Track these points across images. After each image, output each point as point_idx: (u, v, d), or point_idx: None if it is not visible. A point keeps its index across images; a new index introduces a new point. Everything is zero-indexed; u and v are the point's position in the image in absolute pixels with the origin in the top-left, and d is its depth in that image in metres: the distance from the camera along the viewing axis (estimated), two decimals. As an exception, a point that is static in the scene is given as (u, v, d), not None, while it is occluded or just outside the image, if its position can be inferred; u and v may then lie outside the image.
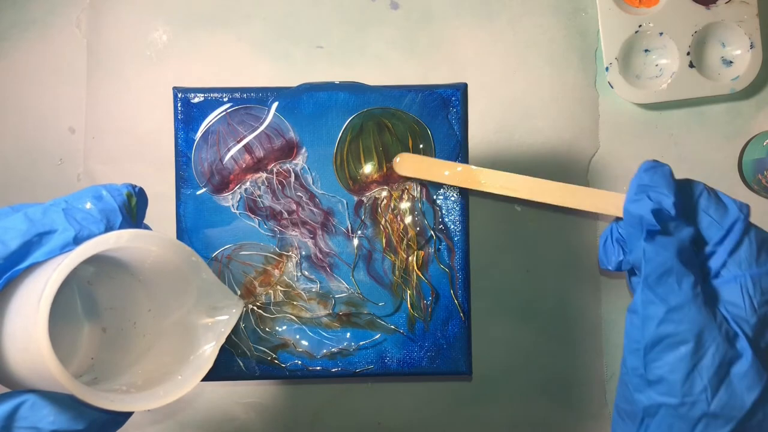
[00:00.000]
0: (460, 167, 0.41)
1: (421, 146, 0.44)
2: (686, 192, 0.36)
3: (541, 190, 0.39)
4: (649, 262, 0.34)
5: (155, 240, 0.33)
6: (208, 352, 0.35)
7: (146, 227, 0.38)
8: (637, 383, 0.35)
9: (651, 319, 0.35)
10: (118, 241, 0.32)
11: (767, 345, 0.35)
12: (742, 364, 0.34)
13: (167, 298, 0.36)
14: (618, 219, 0.38)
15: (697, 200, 0.36)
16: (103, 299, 0.38)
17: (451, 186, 0.44)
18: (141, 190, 0.37)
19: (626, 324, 0.36)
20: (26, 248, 0.32)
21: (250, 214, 0.44)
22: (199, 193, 0.44)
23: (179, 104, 0.44)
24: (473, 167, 0.41)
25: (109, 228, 0.34)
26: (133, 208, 0.36)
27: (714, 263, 0.36)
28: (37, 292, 0.30)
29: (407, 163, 0.42)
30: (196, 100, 0.44)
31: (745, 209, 0.36)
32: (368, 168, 0.44)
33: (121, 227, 0.35)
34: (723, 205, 0.36)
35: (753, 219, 0.56)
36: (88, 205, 0.34)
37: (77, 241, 0.33)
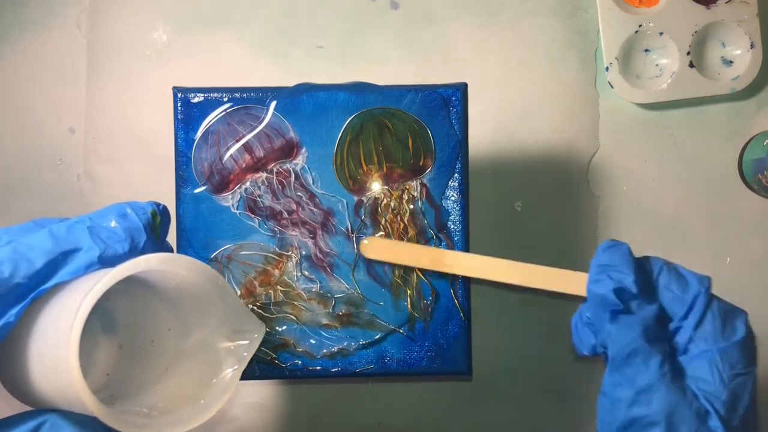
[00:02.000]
0: (428, 251, 0.40)
1: (421, 146, 0.44)
2: (646, 269, 0.36)
3: (509, 272, 0.39)
4: (614, 343, 0.34)
5: (184, 263, 0.33)
6: (230, 376, 0.35)
7: (168, 245, 0.38)
8: None
9: (620, 401, 0.34)
10: (148, 264, 0.32)
11: (739, 421, 0.34)
12: None
13: (189, 318, 0.36)
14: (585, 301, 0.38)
15: (657, 276, 0.36)
16: (120, 315, 0.38)
17: (452, 185, 0.44)
18: (165, 209, 0.37)
19: (598, 405, 0.36)
20: (51, 267, 0.32)
21: (250, 214, 0.44)
22: (197, 191, 0.44)
23: (179, 104, 0.44)
24: (442, 251, 0.40)
25: (133, 247, 0.34)
26: (157, 227, 0.36)
27: (680, 339, 0.35)
28: (68, 316, 0.29)
29: (376, 247, 0.42)
30: (196, 100, 0.44)
31: (705, 282, 0.35)
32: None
33: (145, 246, 0.35)
34: (684, 280, 0.35)
35: (753, 219, 0.57)
36: (113, 224, 0.34)
37: (102, 260, 0.33)
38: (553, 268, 0.39)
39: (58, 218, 0.35)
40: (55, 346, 0.30)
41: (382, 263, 0.44)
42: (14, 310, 0.31)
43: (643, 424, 0.34)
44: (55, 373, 0.30)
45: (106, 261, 0.33)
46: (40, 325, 0.32)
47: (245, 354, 0.35)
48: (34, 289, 0.32)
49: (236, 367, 0.35)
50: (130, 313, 0.38)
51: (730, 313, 0.35)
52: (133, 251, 0.34)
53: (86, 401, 0.29)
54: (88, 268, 0.33)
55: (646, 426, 0.34)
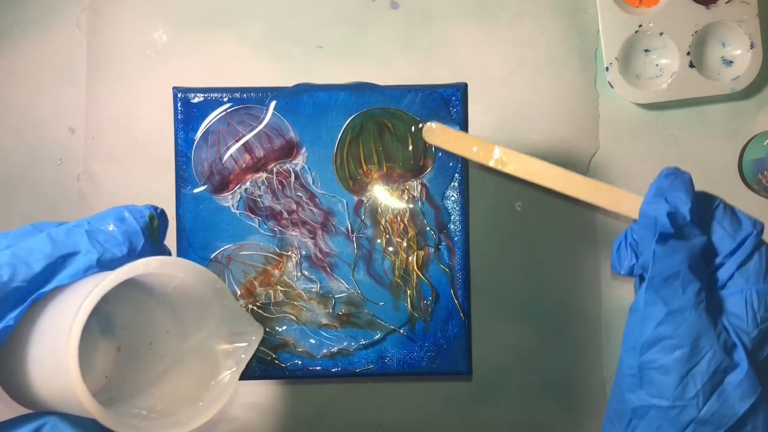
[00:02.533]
0: (481, 144, 0.42)
1: (421, 146, 0.44)
2: (703, 202, 0.36)
3: (563, 180, 0.40)
4: (657, 263, 0.35)
5: (182, 267, 0.33)
6: (228, 378, 0.35)
7: (166, 248, 0.38)
8: (630, 383, 0.36)
9: (650, 319, 0.35)
10: (146, 268, 0.32)
11: (765, 359, 0.35)
12: (738, 374, 0.34)
13: (187, 321, 0.36)
14: (634, 222, 0.39)
15: (713, 212, 0.36)
16: (118, 318, 0.38)
17: (452, 185, 0.44)
18: (162, 212, 0.37)
19: (627, 322, 0.37)
20: (50, 270, 0.32)
21: (250, 214, 0.44)
22: (197, 191, 0.44)
23: (179, 104, 0.44)
24: (500, 147, 0.41)
25: (131, 250, 0.34)
26: (155, 230, 0.36)
27: (722, 274, 0.36)
28: (67, 319, 0.30)
29: (437, 133, 0.43)
30: (196, 100, 0.44)
31: (759, 226, 0.36)
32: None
33: (143, 249, 0.35)
34: (737, 220, 0.36)
35: (753, 219, 0.57)
36: (111, 227, 0.35)
37: (100, 263, 0.33)
38: (608, 185, 0.39)
39: (56, 222, 0.35)
40: (55, 349, 0.30)
41: (444, 150, 0.44)
42: (13, 314, 0.32)
43: (669, 344, 0.34)
44: (55, 375, 0.30)
45: (105, 264, 0.33)
46: (39, 328, 0.32)
47: (243, 356, 0.35)
48: (33, 293, 0.32)
49: (234, 369, 0.35)
50: (128, 315, 0.38)
51: None
52: (131, 254, 0.34)
53: (85, 403, 0.29)
54: (87, 272, 0.33)
55: (672, 347, 0.34)
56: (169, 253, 0.38)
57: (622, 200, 0.39)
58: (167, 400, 0.35)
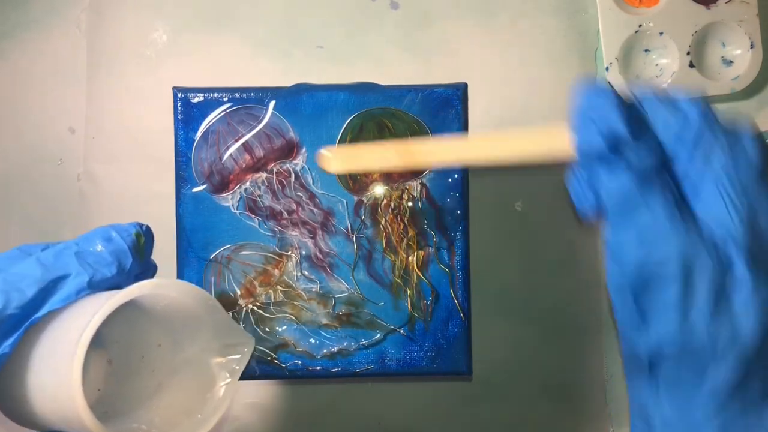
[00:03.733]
0: (392, 146, 0.37)
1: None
2: (633, 104, 0.32)
3: (482, 147, 0.35)
4: (608, 192, 0.31)
5: (176, 287, 0.34)
6: (224, 389, 0.35)
7: (153, 263, 0.39)
8: (631, 322, 0.31)
9: (625, 247, 0.31)
10: (141, 291, 0.32)
11: (764, 259, 0.30)
12: (743, 291, 0.29)
13: (179, 335, 0.37)
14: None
15: (646, 108, 0.32)
16: (108, 331, 0.38)
17: (452, 185, 0.44)
18: (148, 229, 0.37)
19: (606, 267, 0.33)
20: (42, 295, 0.33)
21: (250, 214, 0.44)
22: (196, 190, 0.44)
23: (179, 104, 0.44)
24: (408, 141, 0.37)
25: (120, 269, 0.35)
26: (141, 248, 0.36)
27: (683, 175, 0.31)
28: (67, 347, 0.30)
29: (339, 157, 0.38)
30: (196, 100, 0.44)
31: (699, 101, 0.31)
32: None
33: (131, 267, 0.35)
34: (674, 107, 0.31)
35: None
36: (99, 248, 0.35)
37: (91, 284, 0.34)
38: (529, 128, 0.34)
39: (42, 244, 0.35)
40: (56, 374, 0.30)
41: (351, 175, 0.42)
42: (9, 341, 0.32)
43: (655, 277, 0.30)
44: (55, 401, 0.31)
45: (96, 285, 0.34)
46: (37, 354, 0.32)
47: (237, 367, 0.36)
48: (27, 318, 0.32)
49: (229, 380, 0.35)
50: (119, 329, 0.38)
51: (731, 129, 0.31)
52: (121, 273, 0.35)
53: (90, 426, 0.29)
54: (79, 294, 0.33)
55: (659, 280, 0.30)
56: (155, 268, 0.39)
57: (551, 140, 0.34)
58: (165, 414, 0.35)
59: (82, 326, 0.30)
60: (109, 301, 0.31)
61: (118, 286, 0.35)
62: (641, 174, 0.30)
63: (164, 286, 0.33)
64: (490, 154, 0.35)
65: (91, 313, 0.31)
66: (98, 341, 0.38)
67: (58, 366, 0.30)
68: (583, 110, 0.32)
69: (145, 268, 0.37)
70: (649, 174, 0.30)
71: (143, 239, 0.36)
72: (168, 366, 0.37)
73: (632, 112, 0.31)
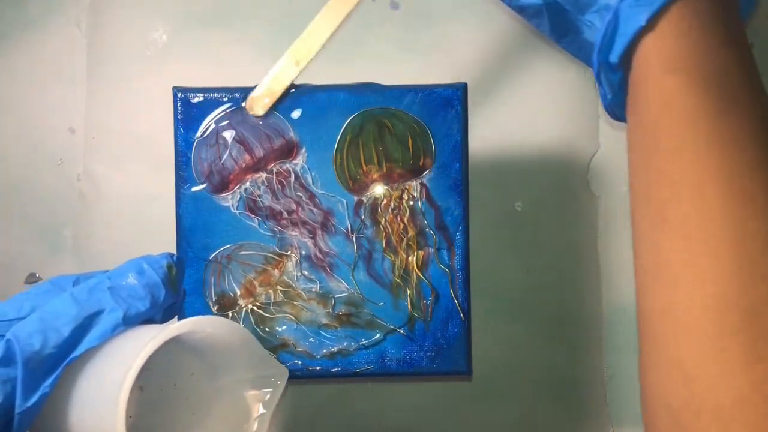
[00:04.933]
0: (280, 68, 0.44)
1: (421, 146, 0.44)
2: None
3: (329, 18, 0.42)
4: None
5: (213, 323, 0.34)
6: (258, 423, 0.36)
7: (184, 291, 0.39)
8: None
9: None
10: (180, 330, 0.32)
11: None
12: None
13: (213, 365, 0.37)
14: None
15: None
16: None
17: (452, 185, 0.44)
18: (179, 259, 0.38)
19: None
20: (79, 332, 0.33)
21: (250, 214, 0.44)
22: (196, 189, 0.44)
23: (179, 104, 0.44)
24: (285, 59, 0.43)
25: (153, 302, 0.35)
26: (173, 279, 0.37)
27: None
28: (109, 388, 0.30)
29: (255, 102, 0.44)
30: (196, 100, 0.44)
31: None
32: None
33: (164, 300, 0.36)
34: None
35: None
36: (132, 281, 0.35)
37: (126, 319, 0.34)
38: None
39: (72, 275, 0.35)
40: (99, 417, 0.30)
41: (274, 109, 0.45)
42: (48, 381, 0.32)
43: None
44: None
45: (130, 320, 0.34)
46: (77, 394, 0.32)
47: (271, 399, 0.36)
48: (64, 357, 0.32)
49: (264, 412, 0.36)
50: (151, 357, 0.38)
51: None
52: (154, 307, 0.35)
53: None
54: (114, 330, 0.33)
55: None
56: (185, 295, 0.39)
57: None
58: None
59: (124, 368, 0.30)
60: (150, 344, 0.31)
61: (152, 319, 0.35)
62: None
63: (202, 324, 0.33)
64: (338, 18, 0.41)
65: (132, 354, 0.31)
66: None
67: (100, 408, 0.30)
68: None
69: (177, 299, 0.38)
70: None
71: (175, 270, 0.37)
72: (202, 396, 0.37)
73: None
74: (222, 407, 0.36)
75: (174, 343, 0.37)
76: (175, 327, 0.32)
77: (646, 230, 0.31)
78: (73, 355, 0.32)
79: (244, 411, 0.36)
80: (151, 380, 0.38)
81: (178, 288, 0.37)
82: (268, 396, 0.36)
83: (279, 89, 0.44)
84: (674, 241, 0.30)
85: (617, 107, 0.36)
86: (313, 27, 0.43)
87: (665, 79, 0.31)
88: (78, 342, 0.33)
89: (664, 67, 0.31)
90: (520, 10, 0.36)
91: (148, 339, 0.31)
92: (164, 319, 0.38)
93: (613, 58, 0.33)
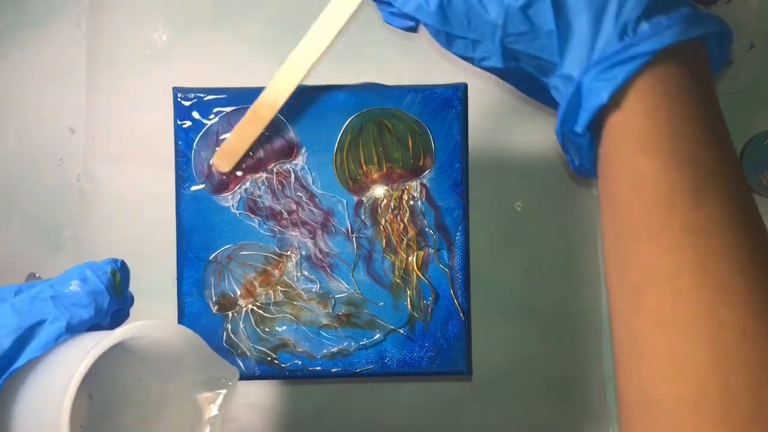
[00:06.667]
0: (247, 116, 0.42)
1: (421, 146, 0.44)
2: None
3: (300, 60, 0.40)
4: None
5: (158, 329, 0.33)
6: (212, 425, 0.35)
7: (130, 296, 0.38)
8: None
9: None
10: (123, 336, 0.32)
11: None
12: None
13: (161, 369, 0.36)
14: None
15: None
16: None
17: (452, 185, 0.44)
18: (123, 264, 0.37)
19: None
20: (20, 343, 0.32)
21: (250, 214, 0.44)
22: (195, 188, 0.44)
23: (179, 104, 0.44)
24: (256, 102, 0.41)
25: (98, 309, 0.34)
26: (118, 285, 0.36)
27: None
28: (52, 398, 0.30)
29: (222, 158, 0.43)
30: (196, 100, 0.44)
31: None
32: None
33: (109, 306, 0.35)
34: None
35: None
36: (75, 288, 0.34)
37: (69, 328, 0.33)
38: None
39: (14, 285, 0.35)
40: (43, 428, 0.30)
41: (234, 171, 0.44)
42: None
43: None
44: None
45: (73, 328, 0.33)
46: (20, 406, 0.32)
47: (223, 401, 0.36)
48: (5, 369, 0.32)
49: (216, 414, 0.35)
50: (98, 364, 0.38)
51: None
52: (99, 314, 0.34)
53: None
54: (58, 339, 0.33)
55: None
56: (132, 300, 0.38)
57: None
58: None
59: (67, 376, 0.30)
60: (92, 351, 0.30)
61: (97, 325, 0.35)
62: None
63: (147, 328, 0.33)
64: (315, 52, 0.39)
65: (75, 361, 0.30)
66: None
67: (43, 418, 0.30)
68: None
69: (123, 304, 0.37)
70: None
71: (119, 276, 0.36)
72: (153, 401, 0.37)
73: None
74: (173, 412, 0.36)
75: (121, 349, 0.36)
76: (118, 333, 0.32)
77: (621, 308, 0.31)
78: (14, 367, 0.32)
79: (196, 414, 0.35)
80: (101, 388, 0.38)
81: (123, 293, 0.36)
82: (221, 398, 0.36)
83: (243, 148, 0.43)
84: (650, 326, 0.29)
85: (587, 168, 0.34)
86: (281, 75, 0.42)
87: (637, 160, 0.30)
88: (19, 353, 0.32)
89: (634, 146, 0.30)
90: (485, 69, 0.35)
91: (91, 346, 0.31)
92: (112, 325, 0.37)
93: (579, 129, 0.32)
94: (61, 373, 0.30)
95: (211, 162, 0.42)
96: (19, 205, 0.56)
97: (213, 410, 0.35)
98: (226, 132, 0.44)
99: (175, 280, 0.44)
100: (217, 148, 0.44)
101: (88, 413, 0.37)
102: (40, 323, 0.33)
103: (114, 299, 0.35)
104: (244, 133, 0.42)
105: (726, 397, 0.27)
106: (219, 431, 0.35)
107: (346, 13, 0.37)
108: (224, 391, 0.36)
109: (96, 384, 0.38)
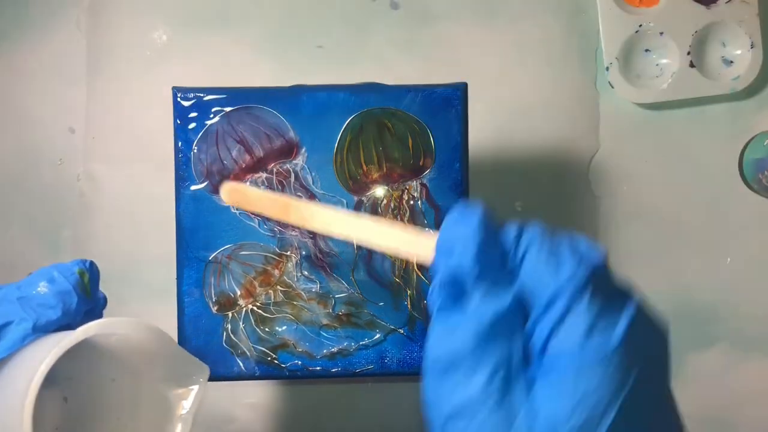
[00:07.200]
0: (279, 201, 0.38)
1: (421, 146, 0.44)
2: (510, 241, 0.28)
3: (356, 228, 0.35)
4: (433, 345, 0.29)
5: (122, 325, 0.33)
6: (183, 420, 0.35)
7: (101, 296, 0.38)
8: None
9: (437, 417, 0.29)
10: (86, 334, 0.32)
11: None
12: None
13: (132, 368, 0.36)
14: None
15: (524, 252, 0.27)
16: (60, 368, 0.38)
17: (452, 185, 0.44)
18: (92, 264, 0.36)
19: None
20: None
21: (250, 213, 0.44)
22: (194, 188, 0.44)
23: (179, 104, 0.44)
24: (292, 201, 0.37)
25: (66, 311, 0.34)
26: (86, 285, 0.36)
27: (538, 337, 0.26)
28: (15, 397, 0.30)
29: (233, 192, 0.40)
30: (196, 100, 0.44)
31: (583, 268, 0.26)
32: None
33: (77, 306, 0.35)
34: (557, 257, 0.27)
35: (753, 219, 0.57)
36: (43, 290, 0.34)
37: (36, 329, 0.33)
38: (405, 228, 0.32)
39: None
40: (8, 427, 0.30)
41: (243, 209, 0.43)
42: None
43: None
44: None
45: (41, 329, 0.33)
46: None
47: (194, 398, 0.36)
48: None
49: (188, 410, 0.35)
50: (71, 365, 0.38)
51: (608, 307, 0.26)
52: (67, 315, 0.34)
53: None
54: (25, 340, 0.33)
55: None
56: (105, 301, 0.38)
57: (420, 246, 0.31)
58: None
59: (29, 376, 0.30)
60: (54, 350, 0.30)
61: (68, 326, 0.35)
62: (478, 335, 0.26)
63: (110, 326, 0.33)
64: (364, 238, 0.34)
65: (38, 360, 0.30)
66: (51, 379, 0.38)
67: (7, 418, 0.30)
68: (443, 239, 0.28)
69: (94, 304, 0.37)
70: (491, 332, 0.27)
71: (87, 276, 0.36)
72: (125, 400, 0.37)
73: (500, 250, 0.28)
74: (145, 409, 0.36)
75: (92, 349, 0.36)
76: (81, 330, 0.32)
77: None
78: None
79: (168, 411, 0.35)
80: (75, 390, 0.38)
81: (92, 293, 0.36)
82: (192, 395, 0.36)
83: (253, 207, 0.40)
84: None
85: None
86: (346, 219, 0.36)
87: None
88: None
89: None
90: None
91: (55, 345, 0.31)
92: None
93: None
94: (26, 373, 0.30)
95: (221, 186, 0.40)
96: (19, 205, 0.56)
97: (185, 407, 0.35)
98: (226, 132, 0.44)
99: (175, 280, 0.44)
100: (235, 182, 0.42)
101: (63, 416, 0.37)
102: (6, 325, 0.33)
103: (83, 300, 0.35)
104: (266, 202, 0.38)
105: None
106: (190, 427, 0.35)
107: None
108: (195, 388, 0.36)
109: (70, 386, 0.38)
